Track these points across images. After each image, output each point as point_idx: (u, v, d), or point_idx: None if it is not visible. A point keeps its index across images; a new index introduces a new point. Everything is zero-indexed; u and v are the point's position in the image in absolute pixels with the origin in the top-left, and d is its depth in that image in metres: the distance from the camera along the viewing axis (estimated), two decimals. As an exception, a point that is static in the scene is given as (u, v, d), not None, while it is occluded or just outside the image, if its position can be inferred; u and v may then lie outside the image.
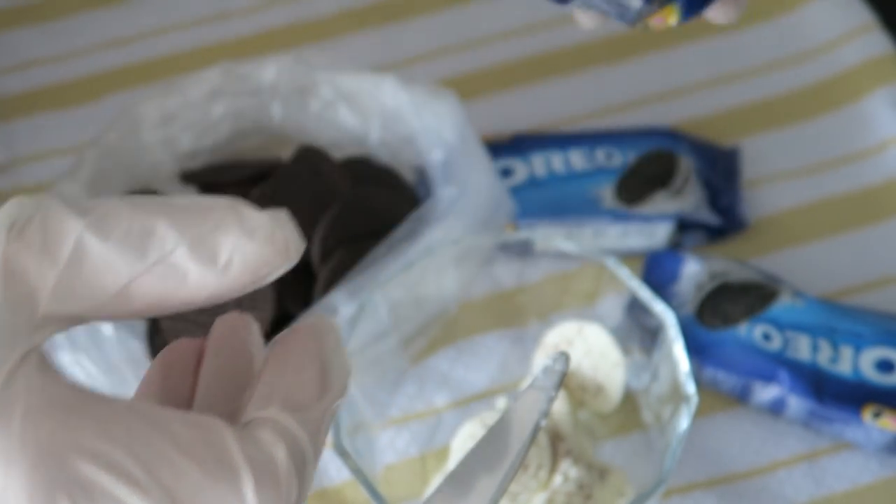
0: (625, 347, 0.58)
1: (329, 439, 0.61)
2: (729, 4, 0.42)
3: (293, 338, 0.32)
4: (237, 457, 0.28)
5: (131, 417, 0.27)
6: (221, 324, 0.34)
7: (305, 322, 0.33)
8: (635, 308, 0.57)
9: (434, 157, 0.61)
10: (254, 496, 0.27)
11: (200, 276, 0.29)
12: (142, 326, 0.60)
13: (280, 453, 0.29)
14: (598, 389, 0.58)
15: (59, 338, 0.57)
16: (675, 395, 0.53)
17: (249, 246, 0.29)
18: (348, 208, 0.60)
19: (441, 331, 0.62)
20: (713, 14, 0.41)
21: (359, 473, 0.50)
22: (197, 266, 0.29)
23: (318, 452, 0.30)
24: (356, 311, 0.54)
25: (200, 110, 0.65)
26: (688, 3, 0.52)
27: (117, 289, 0.28)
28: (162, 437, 0.27)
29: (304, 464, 0.29)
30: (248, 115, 0.66)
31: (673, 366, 0.53)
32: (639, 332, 0.57)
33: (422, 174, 0.66)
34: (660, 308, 0.54)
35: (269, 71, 0.65)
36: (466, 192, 0.58)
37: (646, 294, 0.54)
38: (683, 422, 0.51)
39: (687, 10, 0.52)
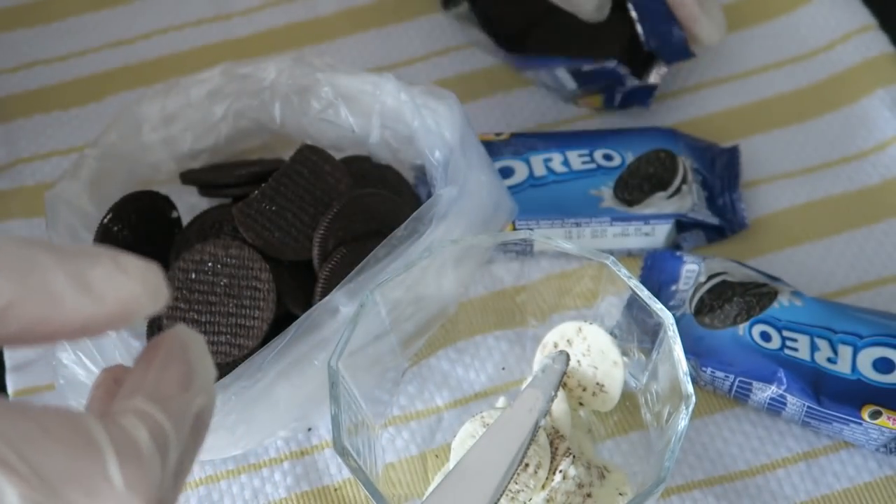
0: (624, 347, 0.58)
1: (329, 438, 0.61)
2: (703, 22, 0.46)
3: (159, 341, 0.34)
4: (101, 438, 0.30)
5: (1, 408, 0.29)
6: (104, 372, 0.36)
7: (172, 329, 0.35)
8: (634, 308, 0.57)
9: (434, 157, 0.61)
10: (118, 471, 0.30)
11: (76, 304, 0.31)
12: (142, 326, 0.60)
13: (142, 434, 0.31)
14: (598, 389, 0.58)
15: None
16: (674, 395, 0.53)
17: (122, 280, 0.31)
18: (348, 208, 0.60)
19: (441, 331, 0.62)
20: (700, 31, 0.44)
21: (359, 472, 0.50)
22: (73, 293, 0.31)
23: (183, 441, 0.32)
24: (356, 311, 0.54)
25: (201, 110, 0.65)
26: (607, 101, 0.71)
27: None
28: (31, 425, 0.29)
29: (166, 446, 0.31)
30: (248, 116, 0.66)
31: (672, 365, 0.53)
32: (638, 331, 0.57)
33: (422, 174, 0.66)
34: (659, 308, 0.54)
35: (270, 71, 0.65)
36: (466, 192, 0.58)
37: (645, 294, 0.55)
38: (682, 421, 0.51)
39: (607, 102, 0.72)
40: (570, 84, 0.71)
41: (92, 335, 0.32)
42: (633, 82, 0.69)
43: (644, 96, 0.71)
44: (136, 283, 0.32)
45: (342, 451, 0.50)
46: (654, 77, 0.70)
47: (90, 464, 0.30)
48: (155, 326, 0.60)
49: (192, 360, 0.34)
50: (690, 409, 0.51)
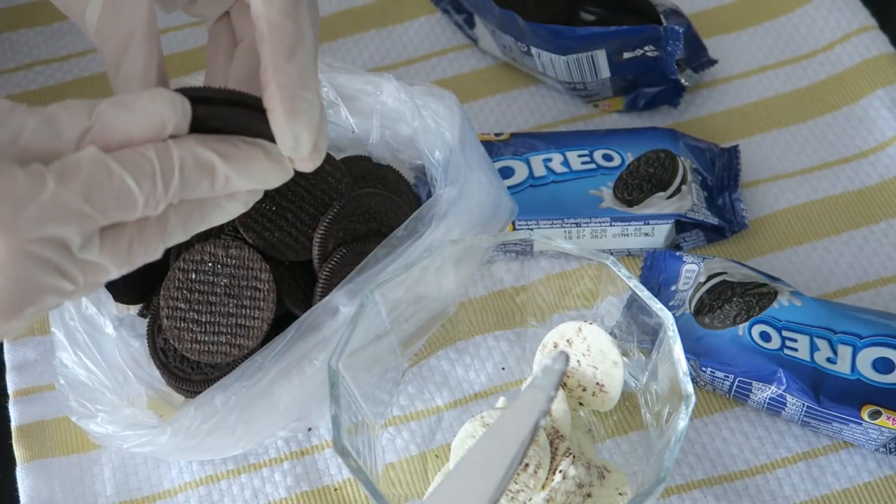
0: (624, 347, 0.58)
1: (329, 438, 0.61)
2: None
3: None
4: (115, 168, 0.41)
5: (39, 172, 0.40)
6: None
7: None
8: (634, 308, 0.57)
9: (434, 157, 0.61)
10: (132, 184, 0.41)
11: (126, 120, 0.42)
12: (143, 327, 0.60)
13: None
14: (598, 389, 0.58)
15: (61, 337, 0.57)
16: (674, 395, 0.53)
17: (154, 102, 0.42)
18: (348, 208, 0.60)
19: (441, 331, 0.62)
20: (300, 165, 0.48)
21: (359, 472, 0.50)
22: (123, 114, 0.42)
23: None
24: (356, 311, 0.54)
25: None
26: (630, 103, 0.73)
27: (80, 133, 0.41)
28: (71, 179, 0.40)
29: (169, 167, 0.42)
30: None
31: (672, 365, 0.53)
32: (638, 331, 0.57)
33: (422, 174, 0.66)
34: (659, 308, 0.54)
35: None
36: (466, 193, 0.58)
37: (645, 294, 0.55)
38: (682, 421, 0.51)
39: (629, 105, 0.73)
40: (604, 72, 0.70)
41: (138, 141, 0.42)
42: (671, 70, 0.69)
43: (674, 96, 0.71)
44: (165, 103, 0.42)
45: (342, 451, 0.50)
46: (683, 78, 0.71)
47: (113, 189, 0.40)
48: (155, 327, 0.60)
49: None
50: (690, 409, 0.51)
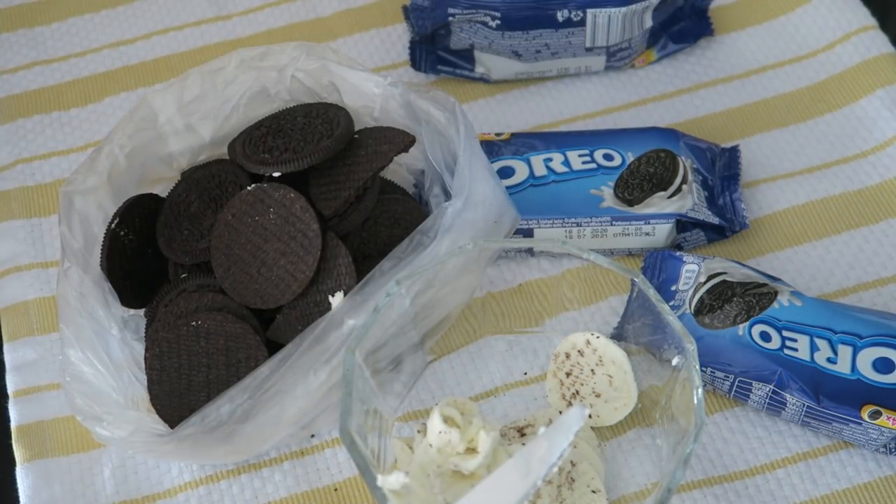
0: (626, 347, 0.58)
1: (330, 439, 0.61)
2: None
3: None
4: None
5: None
6: None
7: None
8: (635, 306, 0.57)
9: (434, 163, 0.61)
10: None
11: None
12: (142, 328, 0.61)
13: None
14: (611, 398, 0.58)
15: (69, 334, 0.57)
16: (686, 416, 0.52)
17: None
18: (375, 211, 0.61)
19: (444, 332, 0.62)
20: None
21: (356, 454, 0.50)
22: None
23: None
24: (382, 301, 0.53)
25: (215, 101, 0.64)
26: (660, 50, 0.75)
27: None
28: None
29: None
30: (260, 112, 0.65)
31: (689, 391, 0.52)
32: (640, 333, 0.57)
33: (420, 179, 0.66)
34: (683, 332, 0.54)
35: (283, 58, 0.64)
36: (471, 204, 0.57)
37: (671, 319, 0.54)
38: (689, 446, 0.50)
39: (660, 53, 0.75)
40: (648, 21, 0.72)
41: None
42: None
43: (703, 28, 0.74)
44: None
45: (348, 442, 0.50)
46: None
47: None
48: (152, 331, 0.60)
49: None
50: (700, 435, 0.50)
